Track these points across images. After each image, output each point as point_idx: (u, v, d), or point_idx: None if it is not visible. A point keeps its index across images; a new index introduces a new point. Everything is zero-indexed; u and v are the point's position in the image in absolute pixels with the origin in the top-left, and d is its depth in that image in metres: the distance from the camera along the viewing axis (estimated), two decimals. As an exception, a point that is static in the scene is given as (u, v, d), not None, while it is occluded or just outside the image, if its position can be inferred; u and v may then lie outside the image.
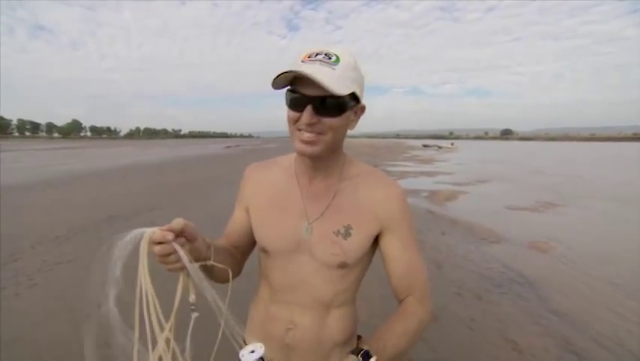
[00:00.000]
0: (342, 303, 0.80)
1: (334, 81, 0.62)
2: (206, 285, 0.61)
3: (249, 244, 0.87)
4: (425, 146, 47.20)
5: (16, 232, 5.04)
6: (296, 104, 0.67)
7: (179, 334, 0.60)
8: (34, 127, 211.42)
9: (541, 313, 2.92)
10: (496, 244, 4.78)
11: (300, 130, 0.68)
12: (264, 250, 0.80)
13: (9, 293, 3.15)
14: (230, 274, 0.69)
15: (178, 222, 0.60)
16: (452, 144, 59.00)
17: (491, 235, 5.16)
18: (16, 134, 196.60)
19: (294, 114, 0.68)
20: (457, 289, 3.34)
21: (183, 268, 0.61)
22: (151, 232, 0.58)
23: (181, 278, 0.62)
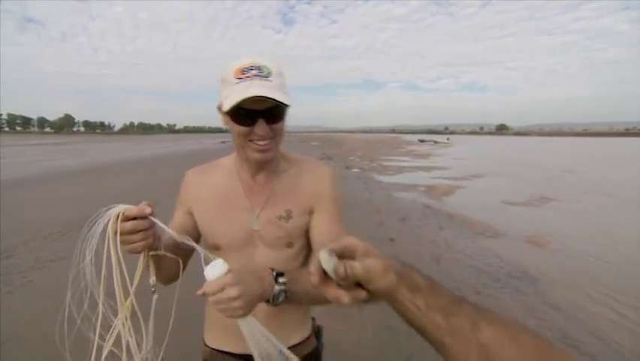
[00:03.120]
0: None
1: (279, 93, 0.71)
2: (200, 248, 0.65)
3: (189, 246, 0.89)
4: (421, 141, 47.26)
5: (8, 228, 4.95)
6: (246, 119, 0.73)
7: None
8: (26, 122, 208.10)
9: (539, 308, 2.94)
10: (493, 239, 4.80)
11: (251, 140, 0.75)
12: (217, 248, 0.84)
13: (2, 291, 3.10)
14: (181, 267, 0.72)
15: (147, 204, 0.63)
16: (448, 139, 59.13)
17: (488, 230, 5.18)
18: (7, 129, 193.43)
19: (245, 129, 0.74)
20: (456, 284, 3.35)
21: (144, 249, 0.64)
22: (124, 208, 0.60)
23: (141, 259, 0.64)
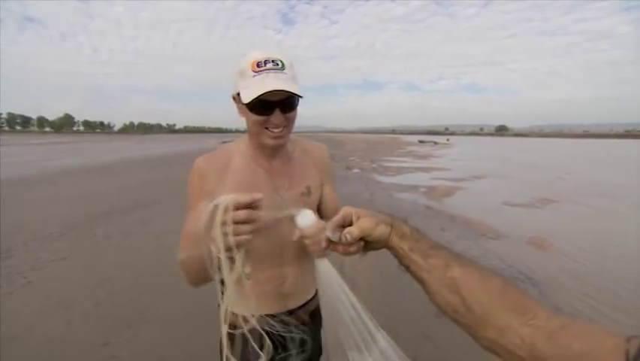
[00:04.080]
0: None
1: (294, 85, 0.78)
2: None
3: None
4: (421, 142, 47.19)
5: (8, 228, 4.93)
6: (263, 109, 0.80)
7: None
8: (25, 121, 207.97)
9: (542, 310, 2.92)
10: (495, 240, 4.78)
11: (267, 128, 0.83)
12: None
13: (2, 292, 3.08)
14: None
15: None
16: (448, 140, 59.07)
17: (490, 231, 5.17)
18: (6, 128, 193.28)
19: (263, 118, 0.81)
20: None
21: (248, 241, 0.65)
22: (234, 197, 0.62)
23: (242, 251, 0.67)
